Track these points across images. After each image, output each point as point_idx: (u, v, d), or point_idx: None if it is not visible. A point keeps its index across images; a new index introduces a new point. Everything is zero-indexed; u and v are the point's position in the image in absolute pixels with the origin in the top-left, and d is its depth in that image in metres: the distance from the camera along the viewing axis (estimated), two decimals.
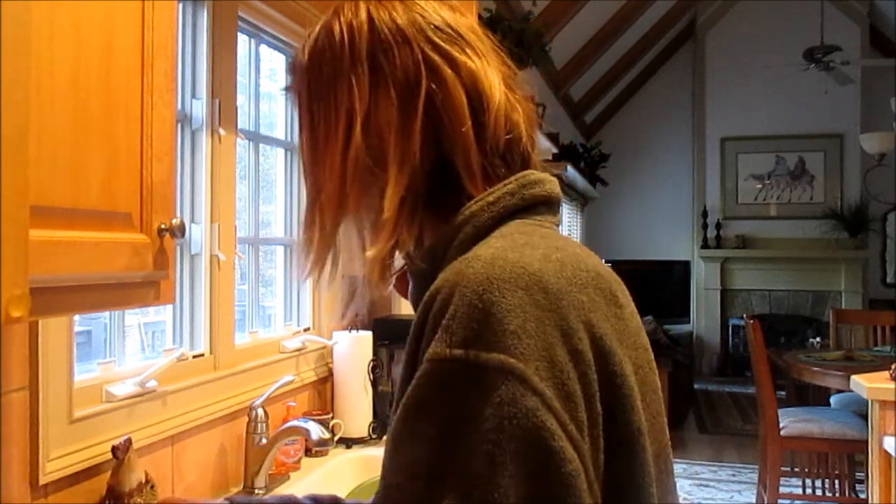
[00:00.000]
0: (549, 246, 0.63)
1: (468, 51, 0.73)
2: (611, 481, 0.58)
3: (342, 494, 1.38)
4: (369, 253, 0.68)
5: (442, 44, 0.72)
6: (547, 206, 0.72)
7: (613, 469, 0.58)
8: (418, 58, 0.71)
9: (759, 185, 8.00)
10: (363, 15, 0.73)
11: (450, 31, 0.73)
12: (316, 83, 0.73)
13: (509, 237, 0.64)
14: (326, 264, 0.75)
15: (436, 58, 0.71)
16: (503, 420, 0.53)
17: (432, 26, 0.72)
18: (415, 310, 0.68)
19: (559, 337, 0.57)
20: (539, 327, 0.56)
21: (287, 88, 0.78)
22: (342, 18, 0.74)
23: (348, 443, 1.99)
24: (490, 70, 0.72)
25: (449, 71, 0.71)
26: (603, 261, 0.72)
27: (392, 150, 0.69)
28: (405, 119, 0.69)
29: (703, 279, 8.15)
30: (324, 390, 2.08)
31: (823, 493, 3.93)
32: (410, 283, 0.73)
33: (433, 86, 0.70)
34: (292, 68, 0.77)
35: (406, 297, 0.76)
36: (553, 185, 0.73)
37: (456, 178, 0.70)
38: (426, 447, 0.55)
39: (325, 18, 0.76)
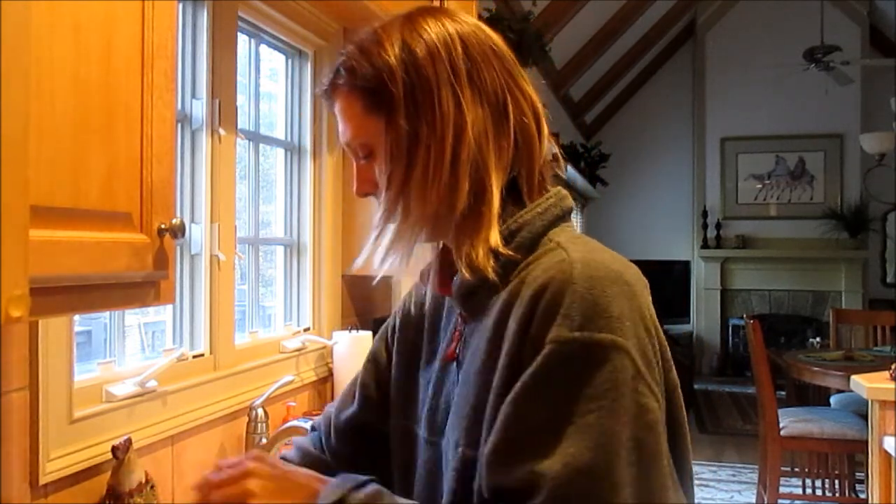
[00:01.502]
0: (601, 248, 0.82)
1: (525, 81, 0.86)
2: (670, 422, 0.78)
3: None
4: (492, 240, 0.80)
5: (512, 73, 0.85)
6: (570, 213, 0.88)
7: (667, 409, 0.78)
8: (502, 80, 0.84)
9: (759, 185, 8.00)
10: (451, 30, 0.84)
11: (512, 62, 0.86)
12: (416, 91, 0.81)
13: (577, 242, 0.80)
14: (410, 257, 0.85)
15: (511, 83, 0.85)
16: (616, 382, 0.71)
17: (503, 56, 0.86)
18: (460, 295, 0.84)
19: (640, 319, 0.75)
20: (630, 312, 0.74)
21: (360, 89, 0.82)
22: (429, 31, 0.83)
23: None
24: (538, 99, 0.87)
25: (520, 96, 0.85)
26: None
27: (491, 159, 0.82)
28: (498, 133, 0.83)
29: (703, 279, 8.15)
30: (324, 390, 2.09)
31: (823, 493, 3.93)
32: (458, 277, 0.84)
33: (515, 107, 0.84)
34: (375, 73, 0.82)
35: (443, 291, 0.89)
36: (571, 199, 0.89)
37: (515, 188, 0.84)
38: (553, 410, 0.71)
39: (398, 26, 0.84)
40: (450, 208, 0.81)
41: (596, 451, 0.69)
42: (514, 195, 0.85)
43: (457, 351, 0.87)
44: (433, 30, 0.83)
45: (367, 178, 0.86)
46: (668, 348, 0.81)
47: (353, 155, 0.88)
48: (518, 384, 0.73)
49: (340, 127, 0.87)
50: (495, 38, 0.86)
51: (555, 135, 5.68)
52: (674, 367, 0.81)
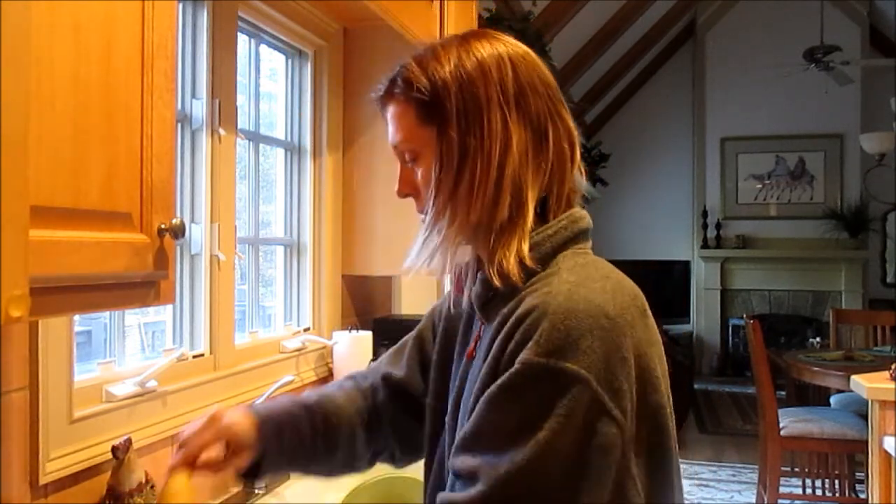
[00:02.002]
0: (601, 276, 0.86)
1: (565, 110, 0.93)
2: (647, 442, 0.83)
3: (342, 494, 1.38)
4: (524, 250, 0.87)
5: (555, 101, 0.92)
6: (584, 234, 0.93)
7: (645, 433, 0.83)
8: (545, 107, 0.91)
9: (759, 185, 8.00)
10: (502, 51, 0.91)
11: (555, 90, 0.93)
12: (468, 107, 0.88)
13: (574, 271, 0.86)
14: (453, 257, 0.92)
15: (552, 110, 0.91)
16: (573, 408, 0.77)
17: (548, 84, 0.92)
18: (477, 300, 0.92)
19: (614, 351, 0.80)
20: (601, 345, 0.79)
21: (415, 100, 0.90)
22: (482, 51, 0.90)
23: None
24: (575, 128, 0.94)
25: (560, 124, 0.92)
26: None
27: (529, 177, 0.89)
28: (537, 154, 0.90)
29: (703, 279, 8.14)
30: None
31: (823, 493, 3.93)
32: (478, 283, 0.92)
33: (554, 133, 0.90)
34: (432, 87, 0.89)
35: (460, 292, 0.97)
36: (588, 219, 0.94)
37: (545, 208, 0.91)
38: (512, 419, 0.79)
39: (455, 45, 0.91)
40: (490, 218, 0.88)
41: (539, 463, 0.77)
42: (543, 214, 0.91)
43: (475, 351, 0.95)
44: (486, 51, 0.90)
45: (408, 181, 0.95)
46: (655, 370, 0.85)
47: (399, 158, 0.95)
48: (489, 390, 0.81)
49: (391, 130, 0.94)
50: (542, 66, 0.93)
51: None
52: (660, 389, 0.85)
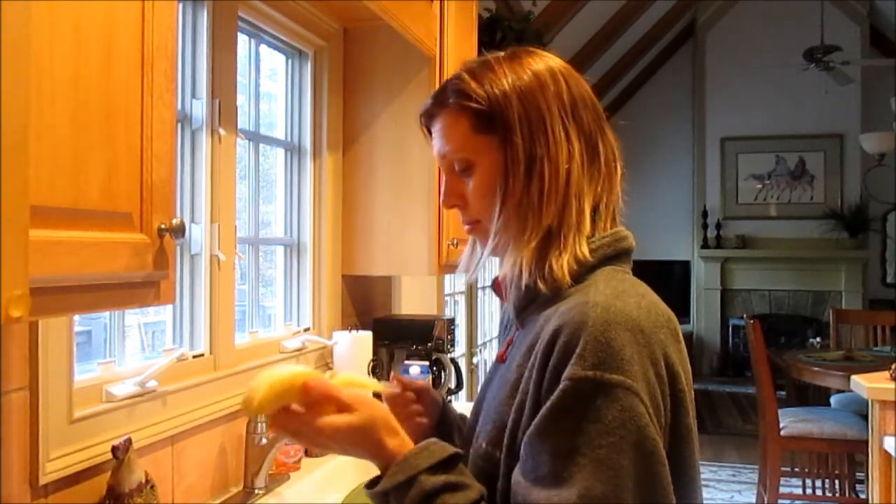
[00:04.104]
0: (636, 293, 0.87)
1: (607, 125, 0.97)
2: (674, 461, 0.82)
3: (342, 495, 1.38)
4: (581, 252, 0.89)
5: (599, 116, 0.96)
6: (627, 255, 0.95)
7: (676, 453, 0.83)
8: (594, 120, 0.94)
9: (759, 185, 8.00)
10: (555, 68, 0.94)
11: (599, 106, 0.97)
12: (531, 116, 0.90)
13: (611, 285, 0.87)
14: (525, 263, 0.93)
15: (600, 125, 0.95)
16: (626, 420, 0.77)
17: (593, 100, 0.96)
18: (516, 304, 0.93)
19: (650, 365, 0.81)
20: (640, 358, 0.80)
21: (471, 110, 0.92)
22: (535, 65, 0.93)
23: None
24: (616, 144, 0.97)
25: (605, 138, 0.95)
26: None
27: (585, 185, 0.91)
28: (591, 165, 0.92)
29: (703, 279, 8.14)
30: None
31: (823, 493, 3.94)
32: (517, 289, 0.93)
33: (603, 146, 0.94)
34: (490, 97, 0.91)
35: (501, 297, 0.98)
36: (632, 240, 0.96)
37: (593, 218, 0.92)
38: (568, 436, 0.78)
39: (506, 60, 0.94)
40: (560, 222, 0.89)
41: (607, 484, 0.76)
42: (592, 223, 0.92)
43: (506, 355, 0.96)
44: (539, 64, 0.93)
45: (456, 192, 0.96)
46: (685, 394, 0.86)
47: (446, 168, 0.96)
48: (538, 417, 0.81)
49: (439, 142, 0.96)
50: (586, 84, 0.97)
51: None
52: (690, 414, 0.86)
